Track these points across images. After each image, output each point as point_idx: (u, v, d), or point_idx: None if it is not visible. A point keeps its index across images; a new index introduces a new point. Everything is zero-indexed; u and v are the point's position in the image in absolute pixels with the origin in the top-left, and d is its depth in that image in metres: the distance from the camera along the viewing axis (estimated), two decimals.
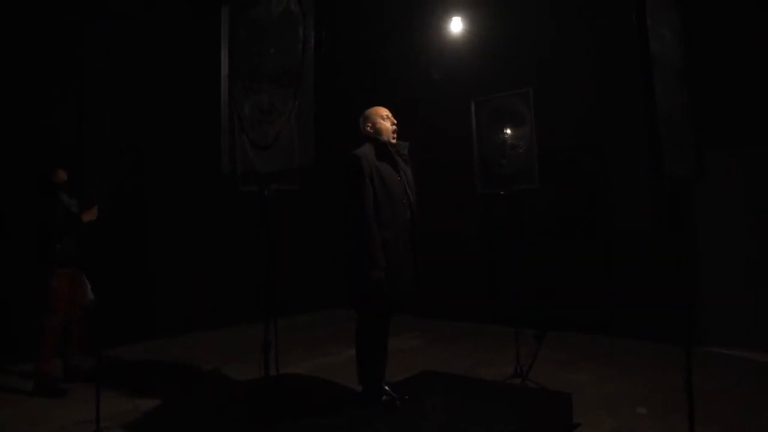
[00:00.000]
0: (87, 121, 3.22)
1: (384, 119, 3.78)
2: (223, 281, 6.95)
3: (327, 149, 5.76)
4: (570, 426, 3.73)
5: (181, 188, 6.60)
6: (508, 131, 4.69)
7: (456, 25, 7.33)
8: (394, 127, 3.80)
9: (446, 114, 7.29)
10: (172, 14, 6.36)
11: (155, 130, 6.39)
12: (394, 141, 3.78)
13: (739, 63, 5.56)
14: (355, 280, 3.51)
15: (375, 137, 3.75)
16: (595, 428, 3.72)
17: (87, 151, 3.22)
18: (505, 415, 3.43)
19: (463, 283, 7.48)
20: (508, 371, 4.75)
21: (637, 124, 2.71)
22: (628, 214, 6.17)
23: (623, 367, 5.13)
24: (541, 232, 6.76)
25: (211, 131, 3.27)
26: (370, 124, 3.78)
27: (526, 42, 6.86)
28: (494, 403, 3.65)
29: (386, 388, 3.69)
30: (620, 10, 3.51)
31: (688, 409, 2.64)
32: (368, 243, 3.41)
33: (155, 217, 6.75)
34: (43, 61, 5.64)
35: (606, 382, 4.72)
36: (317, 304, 8.32)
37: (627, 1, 2.45)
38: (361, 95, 5.46)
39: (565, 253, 6.58)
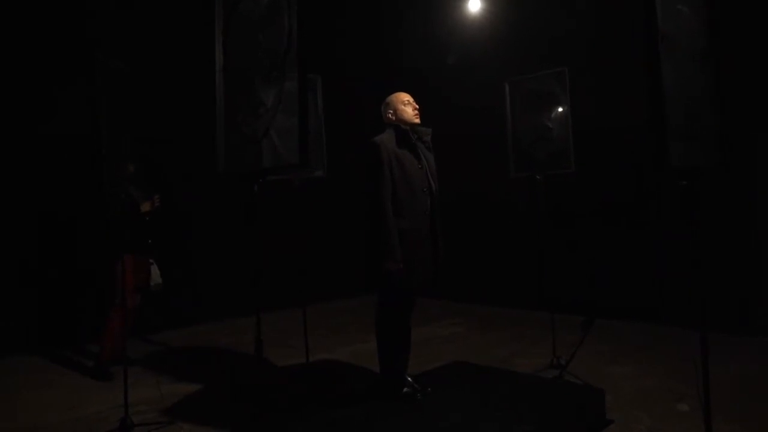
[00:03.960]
0: (106, 118, 3.31)
1: (405, 105, 3.68)
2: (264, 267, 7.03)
3: (348, 138, 5.69)
4: (602, 424, 3.55)
5: (217, 175, 6.71)
6: (560, 109, 4.48)
7: (474, 5, 7.08)
8: (416, 112, 3.70)
9: (481, 95, 7.08)
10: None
11: (189, 121, 6.55)
12: (416, 122, 3.68)
13: None
14: (372, 269, 3.46)
15: (396, 124, 3.66)
16: (628, 426, 3.53)
17: (107, 142, 3.31)
18: (530, 412, 3.29)
19: (510, 269, 7.29)
20: (547, 362, 4.61)
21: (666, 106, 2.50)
22: (668, 197, 5.83)
23: (668, 358, 4.84)
24: (585, 216, 6.49)
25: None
26: (391, 111, 3.70)
27: (560, 18, 6.53)
28: (521, 398, 3.51)
29: (409, 379, 3.63)
30: None
31: (704, 402, 2.45)
32: (384, 234, 3.35)
33: (195, 205, 6.92)
34: (56, 53, 5.91)
35: (648, 375, 4.47)
36: (359, 288, 8.30)
37: None
38: (387, 81, 5.35)
39: (612, 238, 6.28)
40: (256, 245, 2.32)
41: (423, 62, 7.99)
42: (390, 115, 3.70)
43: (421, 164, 3.60)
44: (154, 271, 5.08)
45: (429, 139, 3.74)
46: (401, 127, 3.64)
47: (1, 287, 5.63)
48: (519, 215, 6.96)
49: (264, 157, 2.27)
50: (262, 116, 2.25)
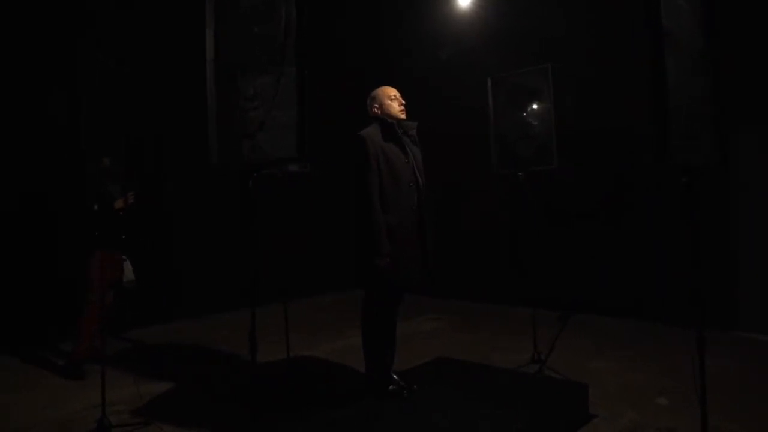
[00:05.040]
0: (89, 108, 3.20)
1: (391, 100, 3.64)
2: (244, 262, 6.93)
3: (337, 131, 5.60)
4: (585, 418, 3.58)
5: (200, 169, 6.56)
6: (535, 106, 4.49)
7: (465, 1, 7.06)
8: (402, 107, 3.66)
9: (464, 91, 7.06)
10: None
11: (169, 114, 6.39)
12: (402, 118, 3.64)
13: None
14: (360, 265, 3.42)
15: (382, 118, 3.62)
16: (612, 420, 3.57)
17: (85, 136, 3.20)
18: (517, 407, 3.31)
19: (489, 264, 7.32)
20: (527, 357, 4.62)
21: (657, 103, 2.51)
22: (658, 195, 5.91)
23: (649, 354, 4.93)
24: (567, 213, 6.54)
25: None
26: (377, 105, 3.66)
27: (545, 16, 6.55)
28: (507, 394, 3.53)
29: (394, 376, 3.61)
30: None
31: (701, 401, 2.47)
32: (372, 230, 3.32)
33: (175, 200, 6.77)
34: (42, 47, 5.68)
35: (629, 370, 4.54)
36: (345, 283, 8.23)
37: None
38: (376, 74, 5.29)
39: (591, 235, 6.35)
40: (252, 241, 2.25)
41: (415, 56, 7.89)
42: (376, 109, 3.66)
43: (407, 158, 3.57)
44: (127, 267, 4.95)
45: (414, 133, 3.71)
46: (387, 120, 3.60)
47: None
48: (503, 211, 6.98)
49: (259, 150, 2.21)
50: (257, 109, 2.19)
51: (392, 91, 3.66)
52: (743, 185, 5.48)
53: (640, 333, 5.65)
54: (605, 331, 5.75)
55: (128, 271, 4.92)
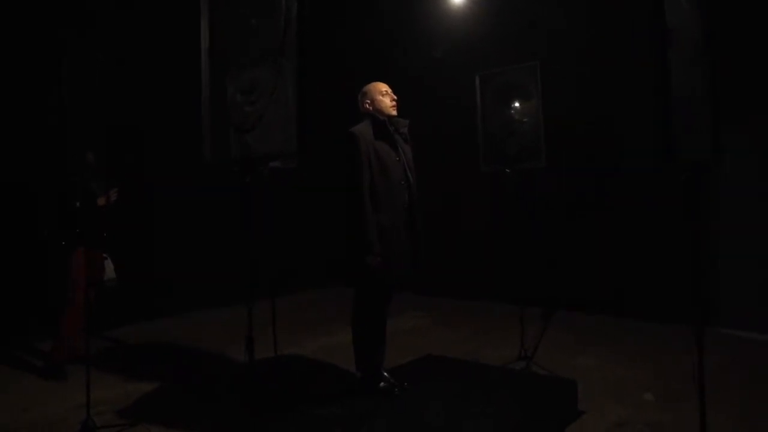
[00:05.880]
0: (73, 101, 3.12)
1: (383, 95, 3.61)
2: (227, 259, 6.85)
3: (327, 127, 5.56)
4: (574, 415, 3.61)
5: (182, 166, 6.45)
6: (517, 104, 4.50)
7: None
8: (394, 103, 3.63)
9: (453, 89, 7.06)
10: None
11: (154, 110, 6.29)
12: (393, 114, 3.62)
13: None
14: (351, 263, 3.40)
15: (373, 114, 3.59)
16: (600, 417, 3.60)
17: (69, 130, 3.12)
18: (508, 404, 3.32)
19: (472, 261, 7.33)
20: (514, 354, 4.64)
21: (650, 101, 2.52)
22: (641, 192, 5.97)
23: (632, 349, 4.99)
24: (549, 211, 6.58)
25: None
26: (368, 101, 3.62)
27: (535, 12, 6.57)
28: (497, 391, 3.53)
29: (385, 374, 3.59)
30: None
31: (699, 398, 2.49)
32: (363, 228, 3.29)
33: (157, 196, 6.65)
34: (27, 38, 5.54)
35: (614, 366, 4.58)
36: (330, 280, 8.19)
37: None
38: (365, 70, 5.26)
39: (574, 232, 6.39)
40: (250, 239, 2.21)
41: (410, 55, 7.82)
42: (367, 105, 3.63)
43: (399, 156, 3.55)
44: (108, 265, 4.86)
45: (406, 131, 3.69)
46: (378, 118, 3.57)
47: None
48: (490, 209, 7.00)
49: (256, 146, 2.17)
50: (255, 103, 2.15)
51: (384, 87, 3.63)
52: (730, 184, 5.54)
53: (624, 330, 5.70)
54: (590, 328, 5.79)
55: (109, 269, 4.83)
